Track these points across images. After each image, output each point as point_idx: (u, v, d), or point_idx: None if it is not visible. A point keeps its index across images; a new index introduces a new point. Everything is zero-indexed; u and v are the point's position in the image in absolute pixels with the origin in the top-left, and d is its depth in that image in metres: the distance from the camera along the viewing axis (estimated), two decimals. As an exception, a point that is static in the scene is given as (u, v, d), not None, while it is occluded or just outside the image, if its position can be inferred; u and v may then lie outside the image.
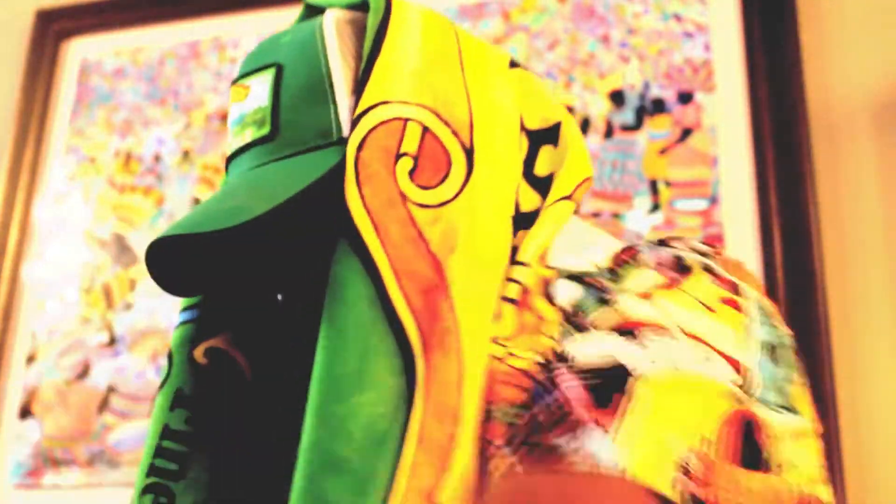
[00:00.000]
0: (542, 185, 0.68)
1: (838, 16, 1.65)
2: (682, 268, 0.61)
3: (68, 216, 1.94)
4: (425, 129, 0.64)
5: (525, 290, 0.63)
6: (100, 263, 1.88)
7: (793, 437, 0.58)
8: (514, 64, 0.73)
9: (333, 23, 0.72)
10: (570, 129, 0.71)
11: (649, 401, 0.54)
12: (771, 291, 1.51)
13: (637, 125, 1.68)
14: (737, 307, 0.59)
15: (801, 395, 0.61)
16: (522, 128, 0.69)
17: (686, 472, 0.53)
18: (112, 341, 1.81)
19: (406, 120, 0.64)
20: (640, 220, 1.61)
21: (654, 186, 1.63)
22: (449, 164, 0.64)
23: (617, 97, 1.70)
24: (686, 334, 0.57)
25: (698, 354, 0.56)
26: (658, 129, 1.66)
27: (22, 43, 2.10)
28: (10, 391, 1.84)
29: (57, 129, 2.02)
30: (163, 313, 1.79)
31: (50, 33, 2.07)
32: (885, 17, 1.63)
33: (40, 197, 1.97)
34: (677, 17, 1.72)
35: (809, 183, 1.55)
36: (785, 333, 0.62)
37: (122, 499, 1.70)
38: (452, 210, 0.63)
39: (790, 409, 0.58)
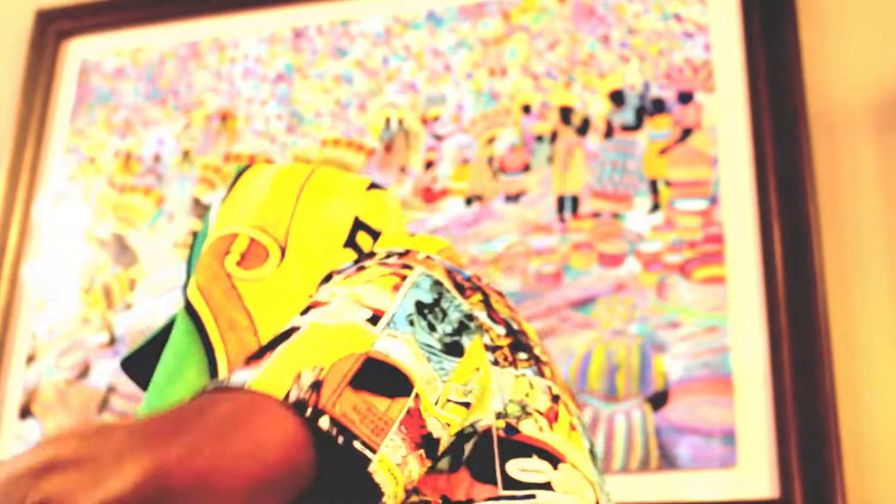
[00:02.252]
0: None
1: (838, 16, 1.65)
2: (359, 268, 0.80)
3: (68, 216, 1.94)
4: (252, 239, 0.89)
5: None
6: (100, 263, 1.88)
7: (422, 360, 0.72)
8: (372, 186, 0.96)
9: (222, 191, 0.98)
10: (390, 231, 0.93)
11: (292, 347, 0.71)
12: (771, 291, 1.51)
13: (637, 125, 1.68)
14: (396, 276, 0.76)
15: (475, 349, 0.76)
16: (366, 229, 0.92)
17: (301, 383, 0.66)
18: (112, 341, 1.81)
19: (237, 234, 0.89)
20: (641, 220, 1.61)
21: (654, 186, 1.63)
22: (267, 255, 0.88)
23: (617, 97, 1.70)
24: (341, 296, 0.75)
25: (350, 307, 0.73)
26: (658, 129, 1.66)
27: (22, 43, 2.10)
28: (10, 391, 1.84)
29: (57, 129, 2.02)
30: (163, 313, 1.79)
31: (50, 33, 2.07)
32: (885, 17, 1.64)
33: (40, 197, 1.97)
34: (677, 17, 1.72)
35: (809, 183, 1.55)
36: (460, 305, 0.77)
37: (122, 499, 1.70)
38: (266, 281, 0.87)
39: (439, 353, 0.73)
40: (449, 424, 0.71)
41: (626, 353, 1.55)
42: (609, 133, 1.69)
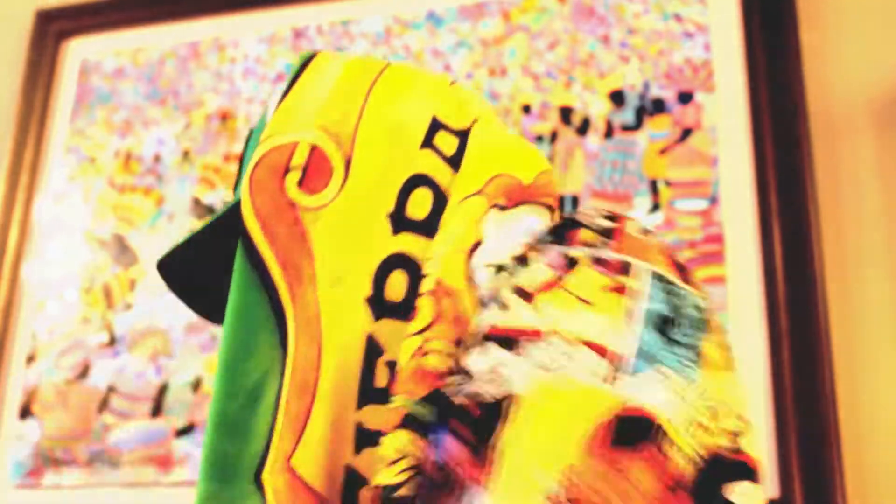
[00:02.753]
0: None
1: (838, 16, 1.65)
2: (569, 263, 0.67)
3: (68, 216, 1.94)
4: (313, 146, 0.74)
5: (438, 281, 0.71)
6: (100, 263, 1.88)
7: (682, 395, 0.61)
8: (453, 83, 0.82)
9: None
10: (482, 129, 0.78)
11: (517, 434, 0.59)
12: (771, 291, 1.51)
13: (637, 125, 1.68)
14: (621, 291, 0.64)
15: (712, 351, 0.65)
16: (447, 129, 0.77)
17: (550, 496, 0.56)
18: (112, 341, 1.81)
19: (296, 142, 0.75)
20: (641, 220, 1.61)
21: (654, 186, 1.63)
22: (331, 171, 0.74)
23: (617, 97, 1.70)
24: (555, 333, 0.62)
25: (562, 354, 0.61)
26: (658, 129, 1.66)
27: (22, 43, 2.10)
28: (10, 391, 1.84)
29: (57, 129, 2.02)
30: (163, 313, 1.79)
31: (50, 33, 2.07)
32: (885, 17, 1.64)
33: (40, 197, 1.97)
34: (677, 17, 1.72)
35: (809, 183, 1.55)
36: (690, 298, 0.66)
37: (122, 499, 1.70)
38: (330, 211, 0.73)
39: (687, 366, 0.63)
40: (692, 457, 0.61)
41: (626, 353, 1.55)
42: (609, 133, 1.69)
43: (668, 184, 1.63)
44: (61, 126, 2.02)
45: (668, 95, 1.67)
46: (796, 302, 1.49)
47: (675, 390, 0.61)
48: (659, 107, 1.67)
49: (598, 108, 1.71)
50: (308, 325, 0.71)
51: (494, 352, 0.64)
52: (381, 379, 0.70)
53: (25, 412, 1.82)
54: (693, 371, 0.62)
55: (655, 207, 1.62)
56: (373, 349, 0.71)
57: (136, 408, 1.75)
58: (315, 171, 0.74)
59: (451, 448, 0.62)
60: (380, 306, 0.71)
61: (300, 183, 0.73)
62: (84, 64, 2.06)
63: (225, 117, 1.92)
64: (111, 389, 1.79)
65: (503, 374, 0.63)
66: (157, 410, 1.74)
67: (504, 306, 0.67)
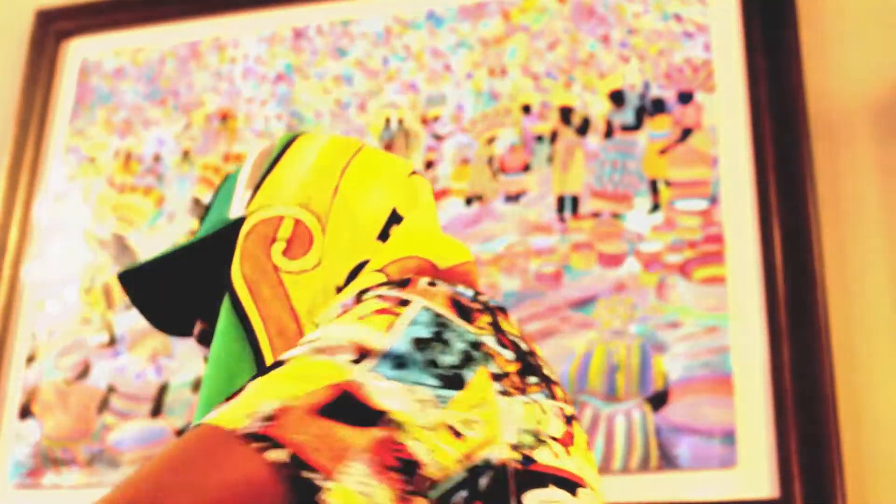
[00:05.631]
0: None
1: (838, 16, 1.65)
2: (358, 299, 0.80)
3: (68, 216, 1.94)
4: (297, 221, 0.89)
5: None
6: (100, 263, 1.88)
7: (410, 399, 0.70)
8: (413, 173, 0.96)
9: (260, 149, 0.98)
10: (412, 219, 0.92)
11: (264, 380, 0.70)
12: (771, 291, 1.51)
13: (637, 125, 1.68)
14: (391, 313, 0.74)
15: (480, 379, 0.74)
16: (400, 220, 0.91)
17: (258, 415, 0.65)
18: (112, 341, 1.81)
19: (282, 217, 0.89)
20: (641, 220, 1.61)
21: (654, 186, 1.63)
22: (311, 240, 0.88)
23: (617, 97, 1.70)
24: (332, 334, 0.73)
25: (338, 345, 0.71)
26: (658, 129, 1.66)
27: (22, 43, 2.10)
28: (10, 391, 1.84)
29: (57, 129, 2.02)
30: (163, 313, 1.79)
31: (50, 33, 2.07)
32: (885, 17, 1.64)
33: (40, 197, 1.97)
34: (677, 17, 1.72)
35: (809, 183, 1.55)
36: (464, 333, 0.75)
37: (121, 499, 1.70)
38: (311, 276, 0.87)
39: (438, 387, 0.71)
40: (433, 451, 0.68)
41: (626, 353, 1.55)
42: (609, 133, 1.69)
43: (668, 184, 1.63)
44: (61, 126, 2.02)
45: (668, 95, 1.67)
46: (796, 302, 1.49)
47: (417, 400, 0.69)
48: (659, 107, 1.67)
49: (598, 108, 1.70)
50: None
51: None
52: None
53: (25, 412, 1.82)
54: (447, 392, 0.70)
55: (655, 207, 1.62)
56: None
57: (136, 408, 1.75)
58: (298, 242, 0.88)
59: None
60: None
61: (284, 252, 0.88)
62: (84, 64, 2.06)
63: (225, 117, 1.91)
64: (111, 389, 1.78)
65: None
66: (157, 410, 1.74)
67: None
